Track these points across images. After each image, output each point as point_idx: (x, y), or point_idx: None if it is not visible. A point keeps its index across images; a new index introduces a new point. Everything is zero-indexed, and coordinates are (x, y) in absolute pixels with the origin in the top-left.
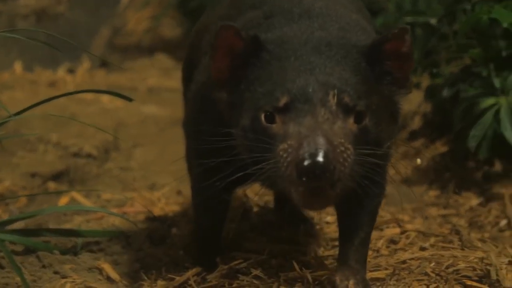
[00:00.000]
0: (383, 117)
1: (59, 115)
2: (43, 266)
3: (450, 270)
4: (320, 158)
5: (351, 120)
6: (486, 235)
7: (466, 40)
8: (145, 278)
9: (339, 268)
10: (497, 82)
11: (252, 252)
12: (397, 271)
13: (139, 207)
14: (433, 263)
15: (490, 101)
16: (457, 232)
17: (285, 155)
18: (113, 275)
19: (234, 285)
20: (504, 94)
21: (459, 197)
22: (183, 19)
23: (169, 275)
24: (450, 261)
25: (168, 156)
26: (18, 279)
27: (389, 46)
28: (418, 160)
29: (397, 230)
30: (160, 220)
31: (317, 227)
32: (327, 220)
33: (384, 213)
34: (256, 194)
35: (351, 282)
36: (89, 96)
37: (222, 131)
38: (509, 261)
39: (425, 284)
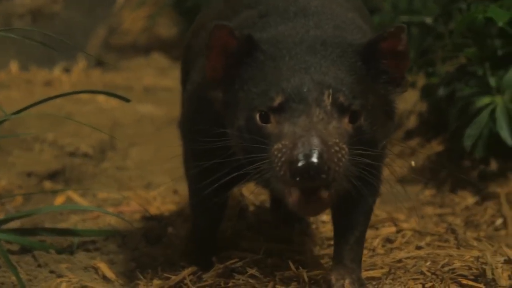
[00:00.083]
0: (378, 116)
1: (55, 115)
2: (39, 265)
3: (446, 269)
4: (314, 159)
5: (346, 120)
6: (482, 234)
7: (462, 39)
8: (141, 277)
9: (334, 267)
10: (492, 81)
11: (248, 251)
12: (393, 270)
13: (135, 206)
14: (429, 262)
15: (485, 100)
16: (453, 231)
17: (279, 155)
18: (109, 274)
19: (229, 284)
20: (500, 93)
21: (455, 196)
22: (179, 18)
23: (165, 274)
24: (446, 260)
25: (164, 155)
26: (14, 278)
27: (385, 45)
28: (412, 163)
29: (393, 229)
30: (156, 220)
31: (313, 226)
32: (323, 219)
33: (380, 212)
34: (251, 193)
35: (347, 281)
36: (85, 95)
37: (218, 131)
38: (504, 260)
39: (420, 283)
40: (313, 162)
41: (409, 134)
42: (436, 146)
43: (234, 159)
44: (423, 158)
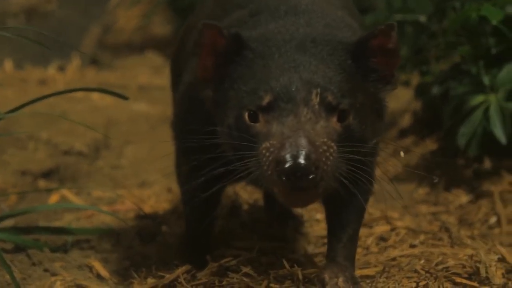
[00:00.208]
0: (368, 115)
1: (50, 113)
2: (33, 264)
3: (440, 267)
4: (301, 160)
5: (334, 119)
6: (476, 232)
7: (456, 37)
8: (135, 275)
9: (328, 265)
10: (486, 80)
11: (242, 249)
12: (386, 268)
13: (130, 204)
14: (422, 260)
15: (479, 98)
16: (447, 230)
17: (267, 154)
18: (103, 272)
19: (224, 283)
20: (494, 91)
21: (449, 194)
22: (173, 16)
23: (159, 273)
24: (440, 259)
25: (158, 153)
26: (8, 277)
27: (375, 43)
28: (402, 153)
29: (387, 227)
30: (150, 218)
31: (307, 224)
32: (317, 218)
33: (373, 211)
34: (245, 192)
35: (340, 279)
36: (79, 94)
37: (209, 130)
38: (498, 258)
39: (414, 281)
40: (300, 163)
41: (403, 133)
42: (430, 145)
43: (226, 158)
44: (417, 157)
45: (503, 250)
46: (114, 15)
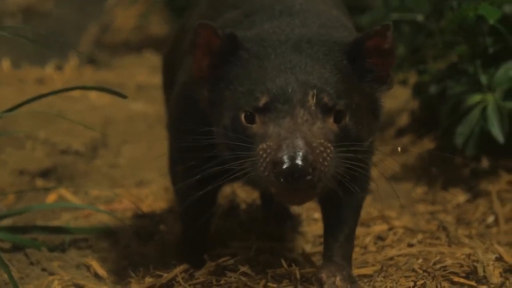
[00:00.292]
0: (364, 115)
1: (47, 112)
2: (31, 263)
3: (438, 266)
4: (298, 161)
5: (330, 120)
6: (473, 231)
7: (453, 37)
8: (133, 275)
9: (325, 265)
10: (483, 79)
11: (239, 249)
12: (384, 268)
13: (127, 204)
14: (420, 260)
15: (477, 97)
16: (445, 229)
17: (264, 155)
18: (101, 272)
19: (221, 282)
20: (491, 90)
21: (447, 193)
22: (171, 16)
23: (157, 272)
24: (438, 258)
25: (156, 153)
26: (5, 276)
27: (371, 43)
28: (399, 148)
29: (385, 226)
30: (148, 217)
31: (305, 223)
32: (314, 217)
33: (371, 210)
34: (243, 191)
35: (338, 278)
36: (77, 93)
37: (205, 130)
38: (496, 257)
39: (412, 281)
40: (297, 164)
41: (400, 132)
42: (427, 144)
43: (220, 158)
44: (415, 156)
45: (500, 249)
46: (112, 15)
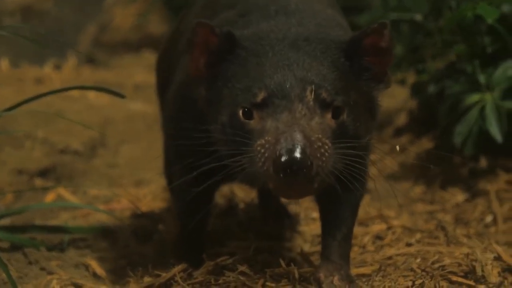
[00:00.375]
0: (361, 112)
1: (46, 112)
2: (30, 263)
3: (436, 266)
4: (297, 154)
5: (328, 116)
6: (472, 231)
7: (451, 36)
8: (132, 274)
9: (323, 264)
10: (482, 78)
11: (238, 248)
12: (383, 267)
13: (126, 203)
14: (419, 259)
15: (475, 97)
16: (443, 228)
17: (262, 151)
18: (100, 271)
19: (220, 281)
20: (489, 90)
21: (445, 193)
22: (169, 15)
23: (156, 272)
24: (436, 257)
25: (155, 152)
26: (4, 275)
27: (368, 41)
28: (397, 147)
29: (383, 226)
30: (146, 217)
31: (303, 223)
32: (313, 216)
33: (370, 209)
34: (241, 190)
35: (336, 277)
36: (75, 92)
37: (202, 128)
38: (494, 257)
39: (411, 280)
40: (295, 157)
41: (399, 131)
42: (426, 143)
43: (218, 156)
44: (413, 155)
45: (499, 248)
46: (110, 14)
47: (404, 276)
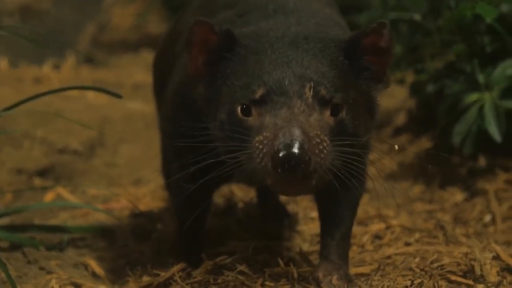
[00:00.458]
0: (360, 111)
1: (45, 112)
2: (29, 262)
3: (435, 265)
4: (295, 149)
5: (327, 113)
6: (471, 230)
7: (450, 36)
8: (130, 273)
9: (321, 263)
10: (481, 78)
11: (237, 247)
12: (382, 267)
13: (125, 203)
14: (417, 259)
15: (474, 96)
16: (442, 228)
17: (260, 147)
18: (99, 271)
19: (219, 281)
20: (488, 89)
21: (444, 192)
22: (168, 15)
23: (154, 271)
24: (435, 257)
25: (153, 152)
26: (3, 275)
27: (368, 41)
28: (396, 146)
29: (382, 225)
30: (145, 216)
31: (302, 222)
32: (312, 216)
33: (369, 209)
34: (241, 190)
35: (334, 277)
36: (74, 92)
37: (201, 127)
38: (493, 256)
39: (409, 279)
40: (293, 153)
41: (398, 131)
42: (425, 143)
43: (215, 154)
44: (412, 155)
45: (498, 248)
46: (109, 14)
47: (403, 276)
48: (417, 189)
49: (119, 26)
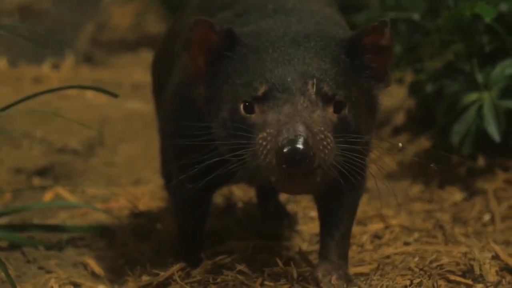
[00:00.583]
0: (362, 110)
1: (44, 111)
2: (28, 262)
3: (434, 265)
4: (299, 145)
5: (330, 110)
6: (470, 230)
7: (449, 35)
8: (130, 273)
9: (321, 263)
10: (480, 78)
11: (236, 247)
12: (381, 266)
13: (124, 202)
14: (417, 258)
15: (473, 96)
16: (441, 227)
17: (264, 143)
18: (98, 270)
19: (218, 280)
20: (487, 89)
21: (443, 192)
22: (167, 14)
23: (154, 270)
24: (434, 256)
25: (152, 151)
26: (2, 274)
27: (369, 39)
28: (400, 144)
29: (381, 225)
30: (144, 216)
31: (301, 222)
32: (311, 216)
33: (368, 208)
34: (240, 189)
35: (334, 277)
36: (73, 91)
37: (202, 126)
38: (492, 256)
39: (409, 279)
40: (298, 148)
41: (397, 130)
42: (424, 142)
43: (216, 154)
44: (411, 154)
45: (497, 247)
46: (108, 13)
47: (402, 275)
48: (416, 188)
49: (118, 25)
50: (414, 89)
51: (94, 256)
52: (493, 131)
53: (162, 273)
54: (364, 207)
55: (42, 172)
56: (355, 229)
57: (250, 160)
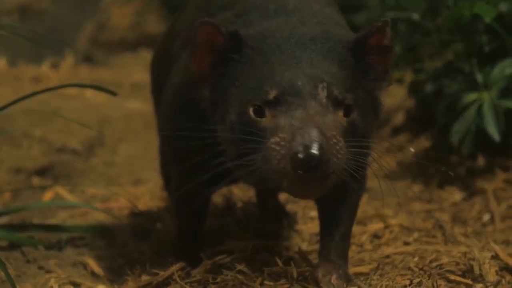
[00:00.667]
0: (368, 112)
1: (44, 111)
2: (28, 261)
3: (434, 264)
4: (315, 151)
5: (340, 114)
6: (470, 230)
7: (449, 35)
8: (129, 273)
9: (321, 263)
10: (479, 77)
11: (236, 247)
12: (380, 266)
13: (124, 202)
14: (416, 258)
15: (472, 96)
16: (441, 227)
17: (277, 148)
18: (98, 270)
19: (218, 280)
20: (487, 89)
21: (443, 192)
22: (167, 14)
23: (154, 270)
24: (434, 256)
25: (152, 151)
26: (2, 274)
27: (374, 40)
28: (411, 149)
29: (381, 225)
30: (144, 215)
31: (301, 222)
32: (311, 215)
33: (368, 208)
34: (240, 189)
35: (334, 276)
36: (73, 91)
37: (203, 128)
38: (492, 255)
39: (408, 279)
40: (314, 154)
41: (396, 130)
42: (423, 142)
43: (220, 156)
44: (411, 154)
45: (496, 247)
46: (108, 13)
47: (402, 275)
48: (416, 188)
49: (117, 25)
50: (414, 89)
51: (93, 256)
52: (493, 131)
53: (161, 273)
54: (364, 207)
55: (41, 172)
56: (355, 228)
57: (260, 164)
